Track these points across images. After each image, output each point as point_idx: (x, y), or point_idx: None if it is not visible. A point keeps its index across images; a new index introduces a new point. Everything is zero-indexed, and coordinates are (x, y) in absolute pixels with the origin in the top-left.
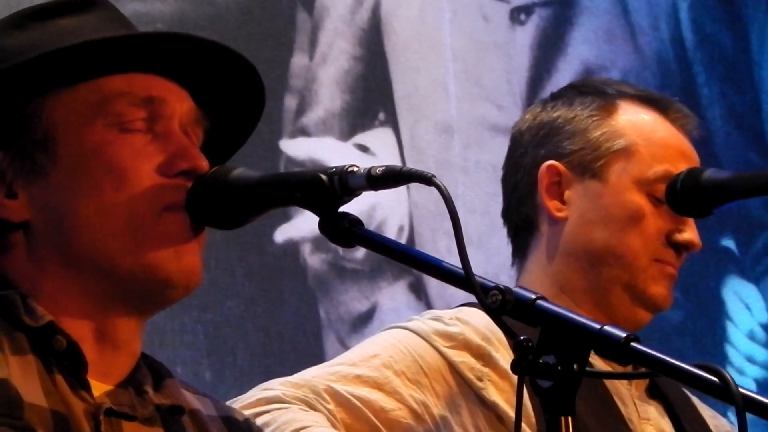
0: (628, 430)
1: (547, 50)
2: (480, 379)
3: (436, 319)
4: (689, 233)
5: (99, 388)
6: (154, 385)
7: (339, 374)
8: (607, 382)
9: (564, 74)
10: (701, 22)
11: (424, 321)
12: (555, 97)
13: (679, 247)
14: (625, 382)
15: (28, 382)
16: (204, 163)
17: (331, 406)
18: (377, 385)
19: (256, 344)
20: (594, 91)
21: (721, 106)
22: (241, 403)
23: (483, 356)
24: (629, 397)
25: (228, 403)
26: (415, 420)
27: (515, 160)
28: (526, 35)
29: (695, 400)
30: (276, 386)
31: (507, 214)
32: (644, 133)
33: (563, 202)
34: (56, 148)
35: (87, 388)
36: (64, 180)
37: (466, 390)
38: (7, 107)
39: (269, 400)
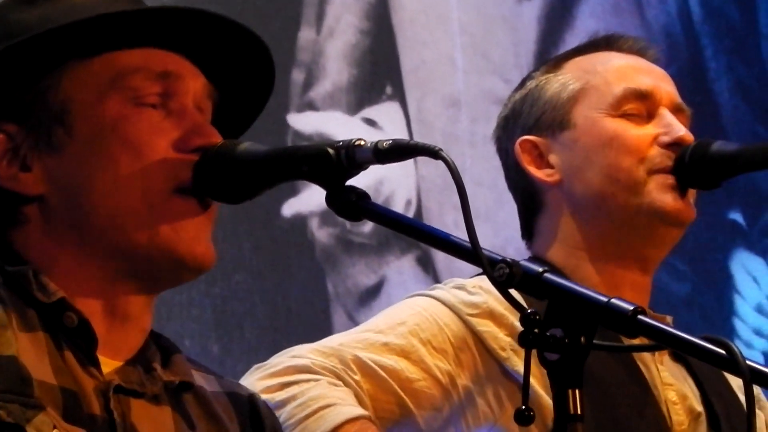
0: (652, 396)
1: (554, 23)
2: (503, 349)
3: (460, 287)
4: (677, 130)
5: (108, 364)
6: (162, 362)
7: (367, 342)
8: None
9: (571, 47)
10: None
11: (448, 290)
12: (514, 91)
13: (673, 147)
14: None
15: (37, 359)
16: (218, 140)
17: (358, 377)
18: (404, 353)
19: (264, 318)
20: (545, 66)
21: (728, 79)
22: (270, 370)
23: (506, 326)
24: (652, 361)
25: (254, 368)
26: (439, 391)
27: (502, 158)
28: (533, 8)
29: None
30: (305, 353)
31: (514, 196)
32: (594, 69)
33: (551, 167)
34: (72, 121)
35: (97, 365)
36: (80, 153)
37: (490, 361)
38: (22, 81)
39: (298, 369)
